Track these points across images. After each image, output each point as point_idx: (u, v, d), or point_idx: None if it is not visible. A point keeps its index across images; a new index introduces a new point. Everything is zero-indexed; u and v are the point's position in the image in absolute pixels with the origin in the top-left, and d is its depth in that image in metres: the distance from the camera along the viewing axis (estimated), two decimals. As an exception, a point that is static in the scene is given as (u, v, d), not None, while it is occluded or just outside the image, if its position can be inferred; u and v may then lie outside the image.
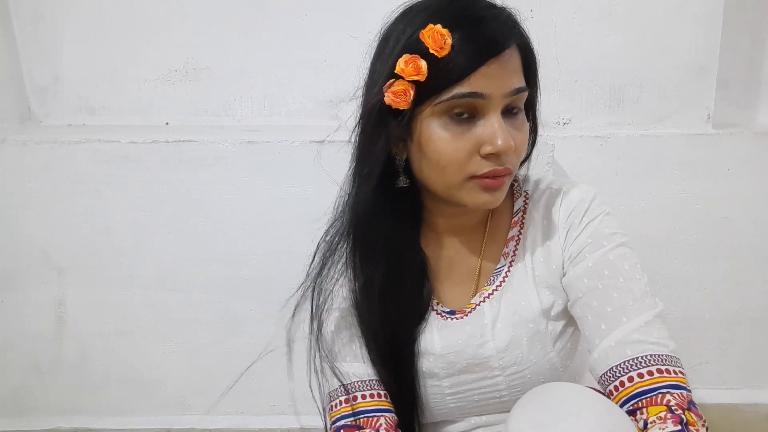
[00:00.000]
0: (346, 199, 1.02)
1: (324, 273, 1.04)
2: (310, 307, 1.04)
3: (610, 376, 0.90)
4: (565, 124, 1.66)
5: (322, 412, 1.07)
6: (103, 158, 1.54)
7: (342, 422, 1.01)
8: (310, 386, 1.06)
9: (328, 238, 1.05)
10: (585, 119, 1.66)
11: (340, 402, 1.02)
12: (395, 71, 0.87)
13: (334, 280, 1.04)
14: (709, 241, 1.66)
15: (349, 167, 1.01)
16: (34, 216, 1.59)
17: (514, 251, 1.05)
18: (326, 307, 1.04)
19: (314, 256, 1.07)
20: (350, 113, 1.00)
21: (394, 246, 1.00)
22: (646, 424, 0.83)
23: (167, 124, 1.72)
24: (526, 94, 0.93)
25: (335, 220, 1.05)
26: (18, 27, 1.67)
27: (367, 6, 1.57)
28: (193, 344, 1.67)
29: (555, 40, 1.60)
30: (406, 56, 0.86)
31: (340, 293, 1.04)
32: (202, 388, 1.71)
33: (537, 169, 1.49)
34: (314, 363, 1.05)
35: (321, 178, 1.50)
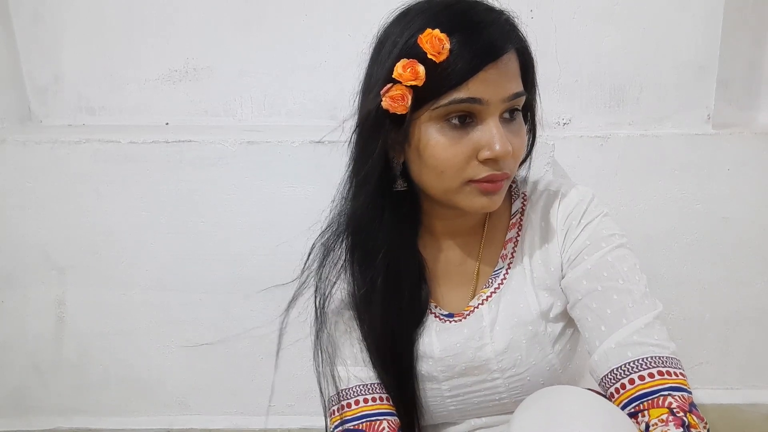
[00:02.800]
0: (343, 202, 1.02)
1: (323, 276, 1.04)
2: (314, 309, 1.04)
3: (610, 379, 0.89)
4: (565, 124, 1.66)
5: (324, 414, 1.07)
6: (103, 158, 1.54)
7: (344, 426, 1.01)
8: (319, 386, 1.06)
9: (324, 240, 1.05)
10: (585, 119, 1.66)
11: (342, 407, 1.02)
12: (393, 76, 0.86)
13: (332, 283, 1.03)
14: (709, 241, 1.66)
15: (346, 170, 1.00)
16: (34, 216, 1.59)
17: (512, 253, 1.05)
18: (326, 309, 1.04)
19: (308, 257, 1.07)
20: (349, 114, 1.00)
21: (390, 249, 0.99)
22: (647, 426, 0.83)
23: (167, 124, 1.72)
24: (524, 98, 0.92)
25: (331, 223, 1.05)
26: (18, 27, 1.67)
27: (366, 6, 1.58)
28: (193, 344, 1.67)
29: (555, 40, 1.60)
30: (403, 61, 0.85)
31: (339, 296, 1.04)
32: (202, 388, 1.71)
33: (537, 169, 1.49)
34: (317, 366, 1.05)
35: (321, 178, 1.51)
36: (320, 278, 1.04)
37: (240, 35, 1.65)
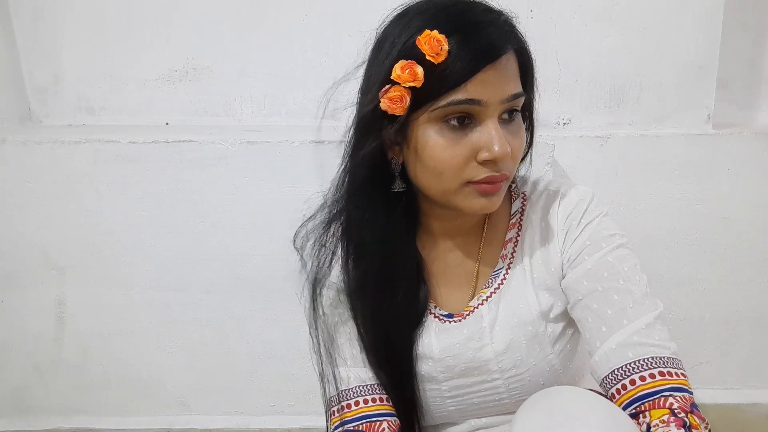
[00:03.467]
0: (337, 200, 1.02)
1: (320, 276, 1.04)
2: (310, 311, 1.04)
3: (612, 379, 0.89)
4: (565, 124, 1.66)
5: (324, 415, 1.07)
6: (103, 158, 1.54)
7: (344, 427, 1.01)
8: (322, 386, 1.06)
9: (324, 242, 1.05)
10: (585, 119, 1.66)
11: (342, 407, 1.02)
12: (391, 77, 0.86)
13: (331, 284, 1.04)
14: (709, 241, 1.67)
15: (339, 168, 1.00)
16: (34, 216, 1.59)
17: (512, 253, 1.04)
18: (324, 310, 1.04)
19: (300, 255, 1.07)
20: (347, 114, 1.00)
21: (388, 249, 0.99)
22: (649, 427, 0.83)
23: (167, 124, 1.72)
24: (522, 99, 0.92)
25: (324, 222, 1.05)
26: (18, 27, 1.67)
27: (366, 6, 1.57)
28: (193, 344, 1.67)
29: (555, 40, 1.60)
30: (402, 62, 0.85)
31: (337, 296, 1.04)
32: (202, 388, 1.71)
33: (537, 169, 1.49)
34: (315, 366, 1.05)
35: (321, 179, 1.51)
36: (316, 279, 1.04)
37: (240, 35, 1.65)
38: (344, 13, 1.62)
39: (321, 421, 1.08)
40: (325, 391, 1.05)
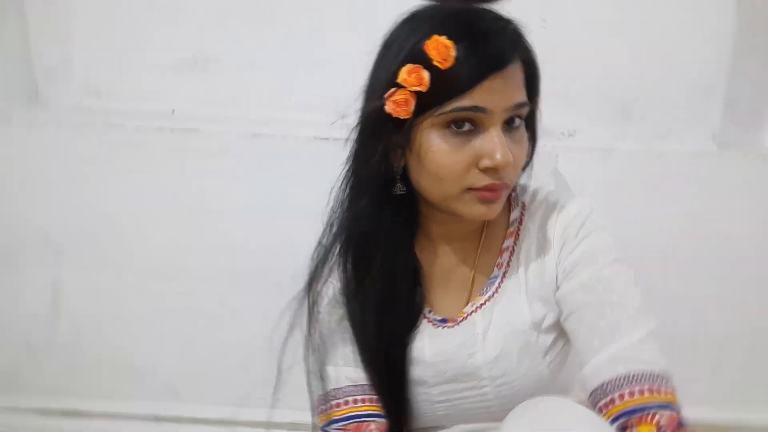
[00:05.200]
0: (341, 202, 1.02)
1: (317, 276, 1.04)
2: (306, 309, 1.04)
3: (600, 393, 0.90)
4: (570, 135, 1.66)
5: (312, 412, 1.08)
6: (108, 142, 1.55)
7: (332, 426, 1.01)
8: (308, 385, 1.06)
9: (324, 241, 1.05)
10: (590, 131, 1.65)
11: (331, 406, 1.03)
12: (397, 80, 0.87)
13: (327, 282, 1.04)
14: (706, 260, 1.66)
15: (343, 169, 1.01)
16: (35, 196, 1.59)
17: (508, 262, 1.05)
18: (319, 309, 1.04)
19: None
20: (353, 113, 1.00)
21: (387, 251, 0.99)
22: (635, 443, 0.84)
23: (173, 111, 1.72)
24: (527, 109, 0.93)
25: (329, 223, 1.05)
26: (29, 8, 1.67)
27: (376, 4, 1.57)
28: (186, 333, 1.67)
29: (566, 50, 1.60)
30: (408, 66, 0.86)
31: (333, 296, 1.05)
32: (193, 377, 1.71)
33: (540, 179, 1.49)
34: (307, 364, 1.05)
35: (324, 175, 1.51)
36: (315, 277, 1.04)
37: (251, 28, 1.65)
38: (355, 11, 1.62)
39: (309, 417, 1.08)
40: (311, 388, 1.06)
